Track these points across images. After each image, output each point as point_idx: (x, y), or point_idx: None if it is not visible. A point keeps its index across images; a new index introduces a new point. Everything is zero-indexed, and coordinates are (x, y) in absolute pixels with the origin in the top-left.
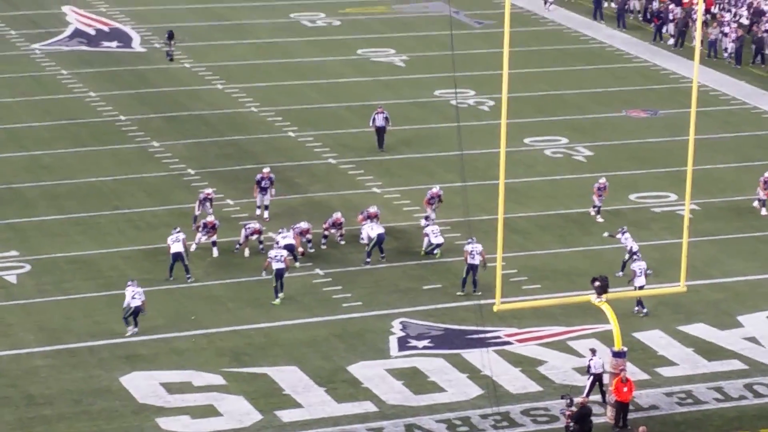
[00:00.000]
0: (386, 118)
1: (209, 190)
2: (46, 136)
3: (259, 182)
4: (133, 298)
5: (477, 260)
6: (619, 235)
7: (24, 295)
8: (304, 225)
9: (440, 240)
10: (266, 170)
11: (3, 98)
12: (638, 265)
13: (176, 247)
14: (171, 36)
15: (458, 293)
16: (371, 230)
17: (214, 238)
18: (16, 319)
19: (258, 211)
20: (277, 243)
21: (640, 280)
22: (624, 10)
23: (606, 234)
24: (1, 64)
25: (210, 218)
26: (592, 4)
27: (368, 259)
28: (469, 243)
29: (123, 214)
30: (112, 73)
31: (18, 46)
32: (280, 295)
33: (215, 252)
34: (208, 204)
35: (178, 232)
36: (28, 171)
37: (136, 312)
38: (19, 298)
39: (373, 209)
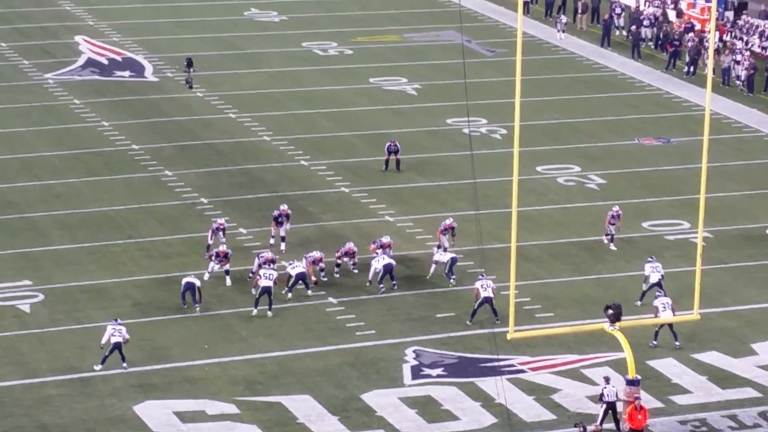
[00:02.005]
0: (398, 150)
1: (222, 220)
2: (58, 165)
3: (276, 218)
4: (112, 335)
5: (490, 293)
6: (647, 264)
7: (37, 324)
8: (316, 254)
9: (447, 257)
10: (284, 207)
11: (16, 127)
12: (661, 301)
13: (190, 279)
14: (190, 63)
15: (467, 322)
16: (377, 263)
17: (227, 266)
18: (29, 348)
19: (272, 241)
20: (290, 275)
21: (666, 314)
22: (639, 41)
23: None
24: (15, 93)
25: (223, 247)
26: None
27: (381, 285)
28: (479, 279)
29: (136, 243)
30: (125, 102)
31: (31, 75)
32: (269, 313)
33: (228, 281)
34: (221, 233)
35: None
36: (41, 200)
37: (118, 347)
38: (32, 327)
39: (386, 239)
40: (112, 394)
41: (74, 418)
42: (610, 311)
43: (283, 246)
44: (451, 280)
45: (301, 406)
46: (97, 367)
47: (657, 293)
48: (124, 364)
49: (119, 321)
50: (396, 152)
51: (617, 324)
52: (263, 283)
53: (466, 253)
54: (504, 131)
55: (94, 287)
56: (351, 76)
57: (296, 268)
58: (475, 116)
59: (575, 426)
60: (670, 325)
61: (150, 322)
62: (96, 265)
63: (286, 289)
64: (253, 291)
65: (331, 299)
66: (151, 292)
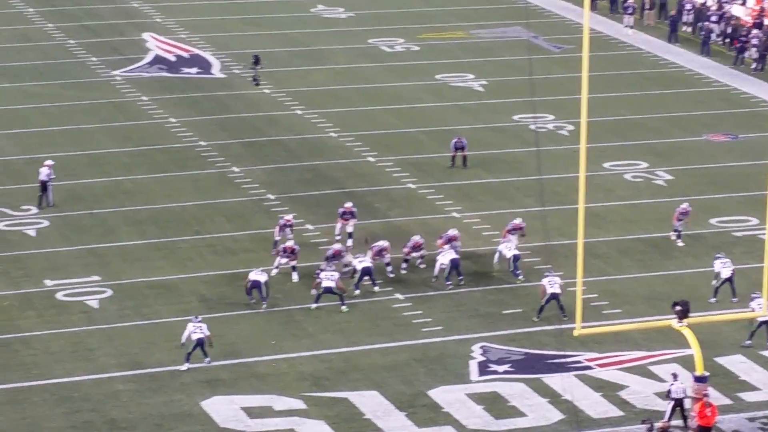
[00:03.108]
0: (464, 146)
1: (289, 217)
2: (127, 161)
3: (342, 215)
4: (193, 332)
5: (557, 289)
6: (716, 261)
7: (106, 319)
8: (383, 243)
9: (558, 290)
10: (348, 204)
11: (84, 124)
12: (758, 302)
13: (256, 275)
14: (257, 61)
15: (534, 319)
16: (444, 257)
17: (294, 263)
18: (97, 343)
19: (337, 237)
20: (355, 269)
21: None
22: (709, 38)
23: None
24: (83, 90)
25: (290, 243)
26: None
27: (448, 282)
28: (546, 276)
29: (203, 239)
30: (192, 99)
31: (99, 72)
32: (344, 308)
33: (295, 277)
34: (288, 230)
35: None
36: (110, 196)
37: (200, 344)
38: (100, 323)
39: (452, 232)
40: (180, 390)
41: (142, 413)
42: (678, 308)
43: (350, 242)
44: (519, 277)
45: (368, 401)
46: (184, 367)
47: (753, 294)
48: (207, 359)
49: (199, 318)
50: (462, 149)
51: (685, 320)
52: (325, 284)
53: (533, 250)
54: (571, 127)
55: (161, 283)
56: (417, 72)
57: (363, 262)
58: (542, 112)
59: (643, 423)
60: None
61: (217, 318)
62: (164, 261)
63: (354, 284)
64: (314, 291)
65: (398, 295)
66: (218, 288)
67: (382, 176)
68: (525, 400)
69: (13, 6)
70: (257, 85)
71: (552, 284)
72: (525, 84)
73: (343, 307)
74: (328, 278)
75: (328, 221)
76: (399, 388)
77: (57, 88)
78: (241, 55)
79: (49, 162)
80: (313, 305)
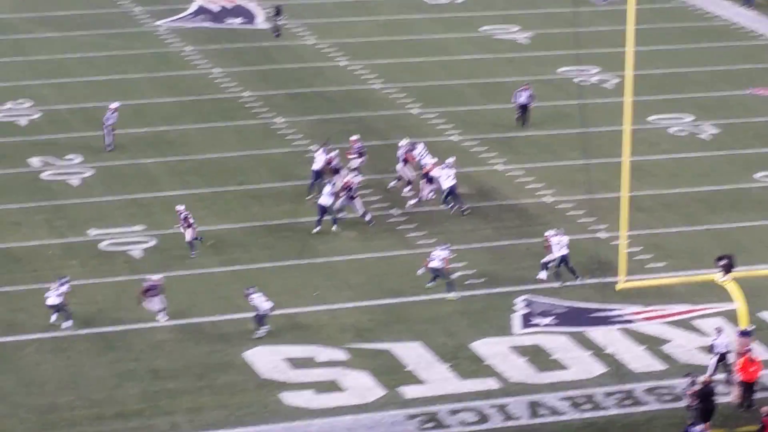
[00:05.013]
0: (531, 96)
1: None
2: (170, 112)
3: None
4: (265, 302)
5: (566, 250)
6: None
7: (148, 269)
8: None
9: (565, 252)
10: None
11: (128, 74)
12: None
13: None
14: (278, 11)
15: (537, 278)
16: (445, 180)
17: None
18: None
19: (392, 183)
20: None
21: None
22: None
23: None
24: (127, 40)
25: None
26: None
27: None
28: (554, 235)
29: (246, 190)
30: (236, 49)
31: (143, 23)
32: (451, 295)
33: (335, 227)
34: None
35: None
36: (153, 147)
37: (264, 315)
38: (143, 273)
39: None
40: (222, 340)
41: (184, 363)
42: (723, 262)
43: (393, 183)
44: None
45: (411, 353)
46: (261, 332)
47: None
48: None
49: (255, 288)
50: (526, 106)
51: (729, 275)
52: (433, 264)
53: (576, 203)
54: (616, 80)
55: (205, 233)
56: (462, 24)
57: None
58: (587, 65)
59: (685, 377)
60: None
61: (260, 269)
62: (207, 211)
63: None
64: (422, 270)
65: (441, 247)
66: (261, 238)
67: (425, 128)
68: (567, 353)
69: None
70: (278, 36)
71: (560, 245)
72: (570, 37)
73: (451, 294)
74: (437, 258)
75: (370, 172)
76: (441, 339)
77: (102, 38)
78: (284, 6)
79: (114, 104)
80: (451, 295)
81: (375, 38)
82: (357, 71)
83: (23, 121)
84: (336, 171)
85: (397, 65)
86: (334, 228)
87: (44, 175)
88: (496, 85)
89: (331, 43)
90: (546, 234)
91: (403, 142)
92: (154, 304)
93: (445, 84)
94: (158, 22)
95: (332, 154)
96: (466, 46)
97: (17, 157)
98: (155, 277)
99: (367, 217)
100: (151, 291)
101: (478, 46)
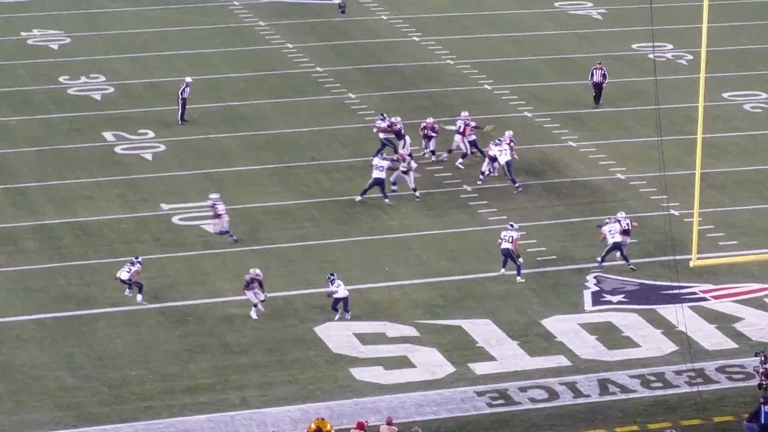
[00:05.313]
0: (604, 75)
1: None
2: (243, 87)
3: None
4: (338, 288)
5: (618, 237)
6: None
7: (220, 244)
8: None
9: (619, 239)
10: (430, 120)
11: (202, 49)
12: None
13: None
14: None
15: (596, 265)
16: (500, 156)
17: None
18: (212, 267)
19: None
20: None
21: None
22: None
23: None
24: (200, 15)
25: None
26: None
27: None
28: (606, 223)
29: (319, 165)
30: (310, 24)
31: None
32: (519, 278)
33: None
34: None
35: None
36: (226, 122)
37: (345, 301)
38: (215, 248)
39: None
40: (294, 315)
41: (256, 337)
42: None
43: (460, 160)
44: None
45: (481, 330)
46: (336, 318)
47: None
48: (348, 313)
49: (336, 276)
50: (600, 84)
51: None
52: (504, 246)
53: (649, 180)
54: (690, 57)
55: (276, 208)
56: (536, 0)
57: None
58: (661, 41)
59: (756, 355)
60: None
61: (332, 244)
62: (279, 186)
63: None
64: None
65: (512, 224)
66: (333, 214)
67: (498, 104)
68: (639, 330)
69: None
70: (343, 12)
71: (612, 233)
72: (644, 12)
73: (518, 278)
74: (506, 240)
75: (442, 148)
76: (512, 316)
77: (177, 12)
78: None
79: (188, 79)
80: (502, 270)
81: (449, 13)
82: (430, 46)
83: (97, 96)
84: (399, 134)
85: (470, 41)
86: (386, 201)
87: (118, 149)
88: (569, 60)
89: (404, 18)
90: (597, 227)
91: (464, 114)
92: (259, 295)
93: (518, 60)
94: None
95: (394, 118)
96: (539, 22)
97: (92, 132)
98: (255, 271)
99: (417, 194)
100: (251, 284)
101: (552, 22)
